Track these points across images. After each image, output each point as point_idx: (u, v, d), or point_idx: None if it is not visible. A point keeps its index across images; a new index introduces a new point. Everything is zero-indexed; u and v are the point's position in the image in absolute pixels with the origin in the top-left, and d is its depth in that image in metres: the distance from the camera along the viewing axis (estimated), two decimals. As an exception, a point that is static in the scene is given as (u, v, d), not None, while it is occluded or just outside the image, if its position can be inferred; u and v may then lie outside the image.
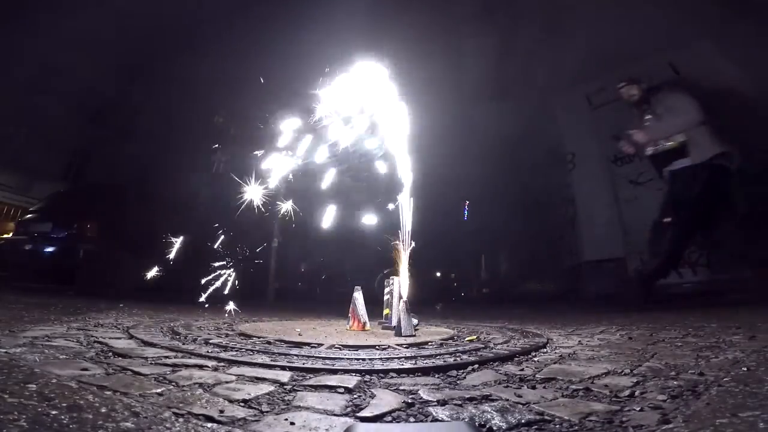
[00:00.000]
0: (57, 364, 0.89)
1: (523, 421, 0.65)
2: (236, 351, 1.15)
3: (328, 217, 2.17)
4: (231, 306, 2.44)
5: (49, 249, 4.89)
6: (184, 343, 1.24)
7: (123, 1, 7.20)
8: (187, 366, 0.97)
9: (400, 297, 1.69)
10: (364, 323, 1.76)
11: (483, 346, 1.36)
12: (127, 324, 1.65)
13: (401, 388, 0.85)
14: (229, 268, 3.44)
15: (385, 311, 1.83)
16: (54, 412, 0.56)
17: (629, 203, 5.25)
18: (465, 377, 0.96)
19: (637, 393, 0.79)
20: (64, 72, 7.51)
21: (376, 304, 2.00)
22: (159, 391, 0.75)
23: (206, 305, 2.80)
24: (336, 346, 1.29)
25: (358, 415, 0.69)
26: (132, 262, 5.34)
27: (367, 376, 0.93)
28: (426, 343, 1.41)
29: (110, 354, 1.05)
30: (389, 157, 1.87)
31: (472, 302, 8.14)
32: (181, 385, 0.80)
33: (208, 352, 1.12)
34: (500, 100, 8.52)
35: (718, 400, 0.68)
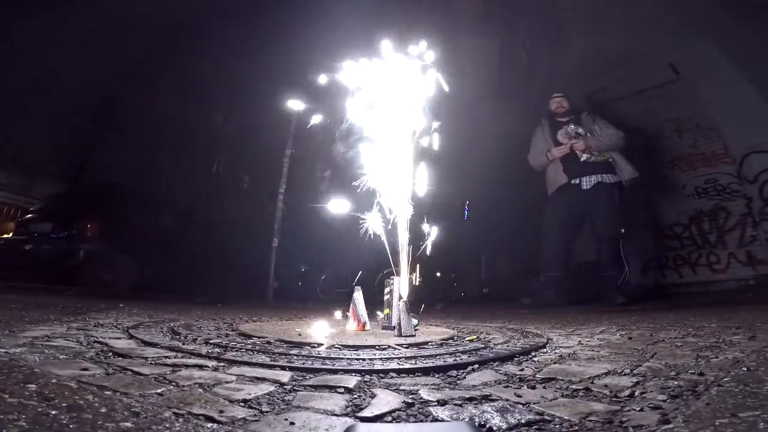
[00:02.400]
0: (57, 364, 0.89)
1: (523, 421, 0.65)
2: (236, 351, 1.15)
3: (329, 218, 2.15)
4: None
5: (49, 249, 4.89)
6: (184, 343, 1.24)
7: (124, 1, 7.20)
8: (187, 366, 0.97)
9: (400, 297, 1.69)
10: (364, 323, 1.75)
11: (483, 346, 1.36)
12: (127, 324, 1.65)
13: (401, 388, 0.85)
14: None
15: (385, 311, 1.83)
16: (54, 412, 0.56)
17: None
18: (465, 377, 0.96)
19: (637, 393, 0.79)
20: (65, 72, 7.51)
21: (376, 304, 2.00)
22: (159, 391, 0.75)
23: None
24: (336, 346, 1.29)
25: (358, 415, 0.69)
26: (132, 262, 5.35)
27: (367, 376, 0.93)
28: (426, 343, 1.41)
29: (110, 354, 1.05)
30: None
31: (472, 302, 8.13)
32: (181, 385, 0.80)
33: (208, 352, 1.12)
34: (501, 99, 8.52)
35: (718, 400, 0.68)
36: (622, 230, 3.82)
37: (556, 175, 4.02)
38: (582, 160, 3.88)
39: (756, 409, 0.62)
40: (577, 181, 3.89)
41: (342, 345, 1.30)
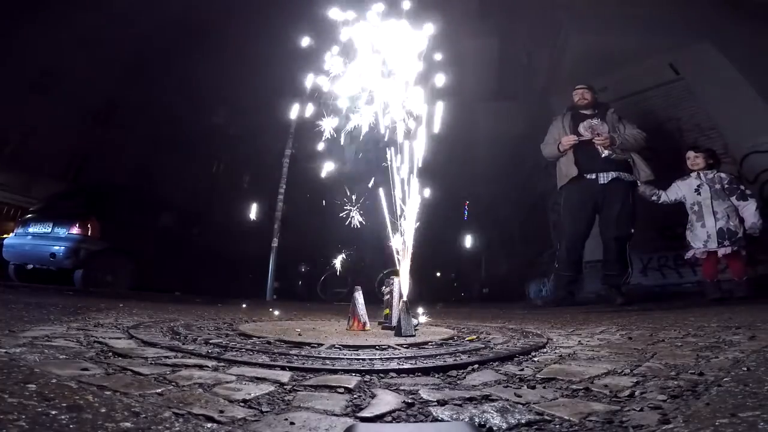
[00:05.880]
0: (57, 364, 0.89)
1: (523, 421, 0.65)
2: (236, 351, 1.15)
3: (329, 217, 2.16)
4: None
5: (49, 249, 4.89)
6: (184, 343, 1.24)
7: (124, 2, 7.20)
8: (187, 366, 0.97)
9: (400, 297, 1.69)
10: (364, 323, 1.75)
11: (483, 346, 1.36)
12: (127, 324, 1.65)
13: (401, 388, 0.85)
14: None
15: (385, 311, 1.83)
16: (54, 412, 0.56)
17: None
18: (465, 377, 0.96)
19: (637, 393, 0.79)
20: (65, 72, 7.51)
21: (376, 304, 2.00)
22: (159, 391, 0.75)
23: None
24: (336, 346, 1.29)
25: (358, 415, 0.68)
26: (132, 262, 5.34)
27: (367, 376, 0.93)
28: (426, 343, 1.41)
29: (110, 354, 1.05)
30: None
31: (472, 302, 8.13)
32: (181, 385, 0.80)
33: (208, 352, 1.12)
34: (501, 100, 8.53)
35: (718, 400, 0.68)
36: (632, 230, 3.77)
37: (568, 167, 3.92)
38: (603, 156, 3.79)
39: (756, 409, 0.62)
40: (593, 176, 3.81)
41: (342, 345, 1.30)
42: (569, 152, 3.93)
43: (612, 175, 3.79)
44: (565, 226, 4.03)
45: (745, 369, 0.90)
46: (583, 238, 3.90)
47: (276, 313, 2.91)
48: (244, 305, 3.19)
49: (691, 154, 3.71)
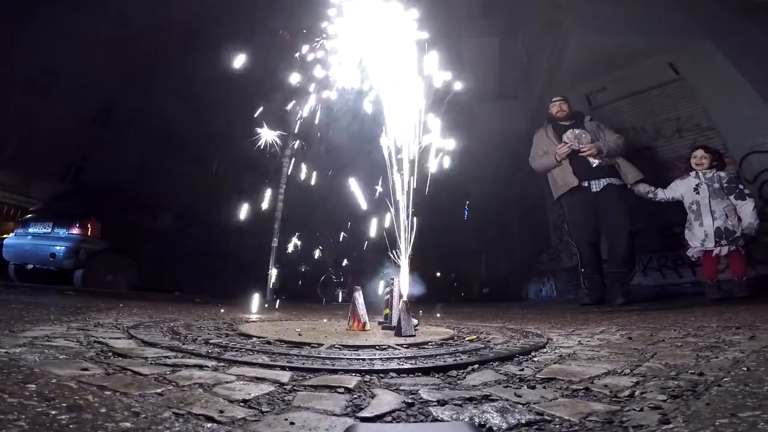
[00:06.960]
0: (57, 364, 0.89)
1: (523, 421, 0.65)
2: (236, 351, 1.15)
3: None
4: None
5: (50, 249, 4.89)
6: (184, 343, 1.24)
7: (123, 2, 7.20)
8: (187, 366, 0.97)
9: (400, 297, 1.69)
10: (364, 323, 1.76)
11: (483, 346, 1.36)
12: (127, 324, 1.65)
13: (401, 388, 0.85)
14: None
15: (385, 311, 1.83)
16: (54, 412, 0.56)
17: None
18: (465, 377, 0.96)
19: (637, 393, 0.79)
20: (65, 72, 7.51)
21: (376, 304, 2.00)
22: (159, 391, 0.75)
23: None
24: (336, 346, 1.29)
25: (358, 415, 0.68)
26: (132, 262, 5.34)
27: (367, 376, 0.93)
28: (426, 343, 1.41)
29: (110, 354, 1.05)
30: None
31: (472, 302, 8.12)
32: (181, 385, 0.80)
33: (208, 352, 1.12)
34: (501, 100, 8.52)
35: (718, 400, 0.68)
36: (633, 228, 3.79)
37: (565, 177, 3.96)
38: (594, 166, 3.85)
39: (756, 409, 0.62)
40: (587, 184, 3.87)
41: (342, 345, 1.30)
42: (565, 162, 3.98)
43: (603, 182, 3.86)
44: (576, 232, 4.06)
45: (745, 369, 0.90)
46: (597, 238, 3.91)
47: (276, 313, 2.91)
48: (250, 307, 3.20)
49: (699, 153, 3.64)
